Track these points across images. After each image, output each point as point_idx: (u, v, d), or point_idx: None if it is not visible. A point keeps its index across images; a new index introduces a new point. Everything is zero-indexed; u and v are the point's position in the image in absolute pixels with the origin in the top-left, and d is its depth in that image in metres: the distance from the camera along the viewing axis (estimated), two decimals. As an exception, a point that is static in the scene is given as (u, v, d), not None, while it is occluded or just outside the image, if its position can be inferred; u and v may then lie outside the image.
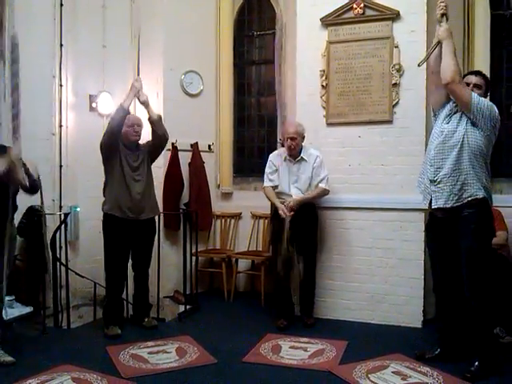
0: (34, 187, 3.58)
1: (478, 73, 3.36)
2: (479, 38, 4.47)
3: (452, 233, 3.23)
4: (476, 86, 3.25)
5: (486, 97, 3.29)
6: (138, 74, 4.15)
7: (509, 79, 4.66)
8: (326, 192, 4.25)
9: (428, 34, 4.14)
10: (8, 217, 3.39)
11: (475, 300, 3.15)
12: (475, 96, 3.13)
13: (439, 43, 3.23)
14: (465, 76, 3.37)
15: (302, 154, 4.23)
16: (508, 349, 3.53)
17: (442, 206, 3.19)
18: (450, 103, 3.28)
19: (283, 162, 4.27)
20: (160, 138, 4.18)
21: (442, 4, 3.25)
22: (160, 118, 4.20)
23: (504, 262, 3.87)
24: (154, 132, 4.18)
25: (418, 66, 3.47)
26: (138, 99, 4.14)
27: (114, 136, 3.98)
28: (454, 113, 3.24)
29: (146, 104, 4.14)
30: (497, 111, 3.18)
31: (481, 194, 3.12)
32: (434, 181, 3.22)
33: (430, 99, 3.52)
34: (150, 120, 4.15)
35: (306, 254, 4.30)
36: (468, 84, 3.25)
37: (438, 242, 3.36)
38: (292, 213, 4.07)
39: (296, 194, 4.19)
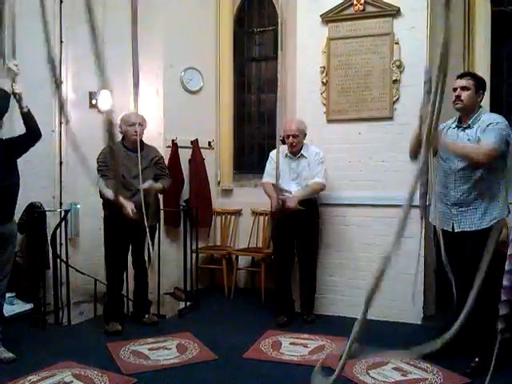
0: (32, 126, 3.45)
1: (464, 75, 3.32)
2: (480, 34, 4.46)
3: (462, 231, 3.23)
4: (463, 88, 3.22)
5: (482, 95, 3.26)
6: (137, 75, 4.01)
7: (510, 76, 4.66)
8: (321, 186, 4.21)
9: (429, 31, 4.14)
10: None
11: (480, 299, 3.15)
12: (497, 141, 3.07)
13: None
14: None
15: (302, 152, 4.23)
16: (508, 345, 3.52)
17: (466, 229, 3.20)
18: (447, 129, 3.30)
19: (284, 158, 4.27)
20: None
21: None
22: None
23: (503, 258, 3.86)
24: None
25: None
26: (141, 124, 4.01)
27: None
28: (463, 129, 3.22)
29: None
30: (506, 122, 3.16)
31: (505, 215, 3.16)
32: (456, 204, 3.22)
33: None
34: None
35: (306, 251, 4.30)
36: (455, 89, 3.23)
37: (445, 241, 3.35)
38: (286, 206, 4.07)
39: (296, 191, 4.19)
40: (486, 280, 3.05)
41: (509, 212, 3.20)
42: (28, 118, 3.44)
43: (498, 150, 3.06)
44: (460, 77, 3.30)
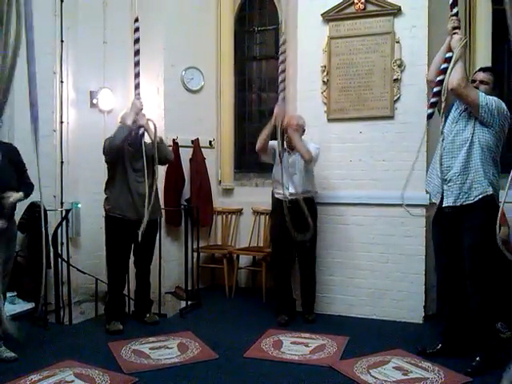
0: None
1: (486, 69, 3.37)
2: (481, 33, 4.46)
3: (458, 227, 3.23)
4: (482, 82, 3.25)
5: (494, 92, 3.27)
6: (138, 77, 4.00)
7: (511, 75, 4.65)
8: (311, 156, 4.12)
9: (430, 30, 4.14)
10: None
11: (478, 295, 3.16)
12: (482, 97, 3.12)
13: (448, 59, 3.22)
14: (475, 72, 3.40)
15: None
16: (509, 344, 3.53)
17: (451, 204, 3.21)
18: (456, 104, 3.28)
19: (282, 153, 4.25)
20: (161, 159, 4.10)
21: (453, 18, 3.24)
22: (161, 141, 4.12)
23: (505, 257, 3.85)
24: (157, 153, 4.03)
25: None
26: (137, 122, 4.00)
27: (116, 152, 3.93)
28: (463, 111, 3.24)
29: (145, 128, 4.02)
30: (505, 108, 3.18)
31: (490, 191, 3.13)
32: (445, 180, 3.23)
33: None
34: (152, 143, 4.05)
35: (305, 250, 4.29)
36: (474, 81, 3.27)
37: (443, 237, 3.36)
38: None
39: (292, 187, 4.15)
40: (488, 280, 3.07)
41: (495, 190, 3.17)
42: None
43: (467, 86, 3.10)
44: (482, 70, 3.34)
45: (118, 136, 3.90)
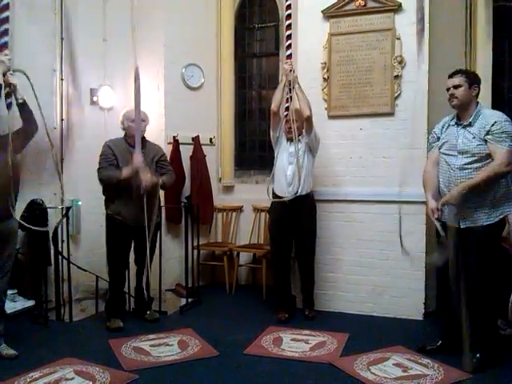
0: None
1: (454, 73, 3.29)
2: (481, 30, 4.44)
3: (467, 228, 3.23)
4: (455, 86, 3.21)
5: (476, 89, 3.23)
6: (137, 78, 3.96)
7: (511, 71, 4.64)
8: (310, 112, 4.09)
9: (430, 26, 4.12)
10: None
11: (482, 293, 3.15)
12: (508, 144, 3.07)
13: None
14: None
15: (300, 137, 4.19)
16: (509, 341, 3.53)
17: (470, 225, 3.18)
18: (446, 127, 3.31)
19: (284, 142, 4.25)
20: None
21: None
22: (164, 183, 4.08)
23: (505, 254, 3.86)
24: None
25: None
26: (143, 119, 4.00)
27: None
28: (463, 127, 3.21)
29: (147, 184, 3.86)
30: (508, 119, 3.14)
31: (510, 212, 3.15)
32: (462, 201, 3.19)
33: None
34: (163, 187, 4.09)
35: (304, 246, 4.30)
36: (448, 89, 3.23)
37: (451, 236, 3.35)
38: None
39: (292, 174, 4.15)
40: (489, 276, 3.06)
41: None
42: (24, 109, 3.40)
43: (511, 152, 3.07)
44: (450, 76, 3.28)
45: (105, 178, 3.92)
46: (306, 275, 4.34)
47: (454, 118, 3.32)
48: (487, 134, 3.10)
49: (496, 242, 3.23)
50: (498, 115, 3.17)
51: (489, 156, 3.10)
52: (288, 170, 4.17)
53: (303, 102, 4.09)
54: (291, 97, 4.11)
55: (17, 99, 3.38)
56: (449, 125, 3.33)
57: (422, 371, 3.14)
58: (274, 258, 4.40)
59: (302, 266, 4.35)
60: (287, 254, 4.32)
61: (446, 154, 3.28)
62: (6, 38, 3.64)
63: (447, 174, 3.26)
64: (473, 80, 3.25)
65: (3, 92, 3.39)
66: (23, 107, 3.40)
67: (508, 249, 3.88)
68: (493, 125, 3.10)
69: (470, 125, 3.19)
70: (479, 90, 3.27)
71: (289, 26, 4.25)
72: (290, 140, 4.22)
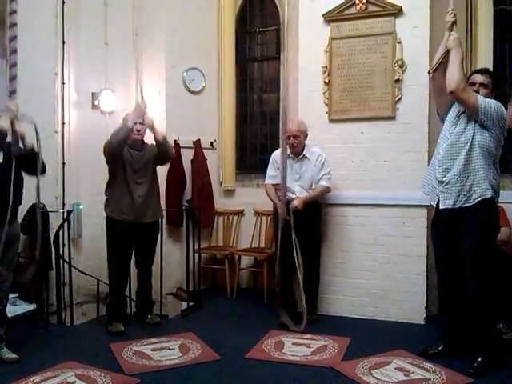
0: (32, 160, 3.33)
1: (483, 71, 3.32)
2: (482, 33, 4.45)
3: (457, 229, 3.23)
4: (482, 85, 3.23)
5: (492, 95, 3.26)
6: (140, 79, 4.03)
7: (512, 75, 4.65)
8: (327, 189, 4.25)
9: (431, 30, 4.13)
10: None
11: (478, 296, 3.15)
12: (481, 100, 3.10)
13: (448, 52, 3.21)
14: (471, 74, 3.36)
15: (304, 152, 4.23)
16: (511, 345, 3.52)
17: (450, 206, 3.19)
18: (455, 105, 3.27)
19: (286, 159, 4.26)
20: (162, 157, 4.15)
21: (453, 12, 3.24)
22: (165, 139, 4.11)
23: (506, 258, 3.86)
24: (158, 151, 4.10)
25: (429, 73, 3.44)
26: (143, 122, 4.03)
27: (114, 151, 3.94)
28: (462, 113, 3.22)
29: (151, 127, 4.05)
30: (504, 111, 3.16)
31: (489, 194, 3.12)
32: (442, 182, 3.22)
33: (436, 104, 3.49)
34: (156, 141, 4.07)
35: (309, 251, 4.29)
36: (474, 84, 3.24)
37: (443, 238, 3.36)
38: (293, 216, 4.07)
39: (299, 192, 4.19)
40: (488, 281, 3.06)
41: (494, 192, 3.16)
42: (31, 155, 3.33)
43: (465, 89, 3.08)
44: (479, 72, 3.32)
45: (115, 136, 3.91)
46: (309, 279, 4.32)
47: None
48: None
49: (486, 232, 3.18)
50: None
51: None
52: (295, 187, 4.24)
53: (316, 198, 4.24)
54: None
55: (25, 146, 3.32)
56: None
57: (423, 375, 3.13)
58: (279, 261, 4.38)
59: (306, 270, 4.33)
60: (291, 259, 4.30)
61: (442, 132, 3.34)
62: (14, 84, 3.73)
63: (435, 160, 3.33)
64: (495, 83, 3.33)
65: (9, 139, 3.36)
66: (31, 154, 3.34)
67: (508, 252, 3.90)
68: None
69: None
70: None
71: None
72: (294, 155, 4.24)
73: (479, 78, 3.26)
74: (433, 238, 3.56)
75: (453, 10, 3.25)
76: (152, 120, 4.07)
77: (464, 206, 3.15)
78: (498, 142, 3.17)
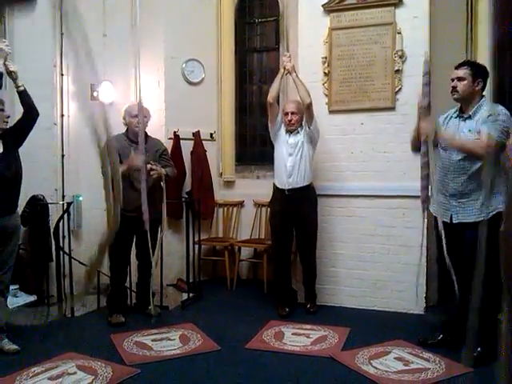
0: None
1: (460, 65, 3.25)
2: (482, 24, 4.42)
3: (460, 223, 3.22)
4: (460, 79, 3.18)
5: (481, 83, 3.20)
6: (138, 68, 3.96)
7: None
8: (309, 96, 4.11)
9: (431, 20, 4.11)
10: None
11: (480, 287, 3.15)
12: (496, 134, 3.00)
13: None
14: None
15: (299, 129, 4.21)
16: (511, 335, 3.53)
17: (463, 220, 3.18)
18: (455, 114, 3.28)
19: (282, 133, 4.25)
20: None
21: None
22: (167, 174, 4.10)
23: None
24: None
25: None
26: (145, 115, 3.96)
27: None
28: (474, 130, 3.15)
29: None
30: (508, 113, 3.08)
31: (500, 207, 3.08)
32: (455, 195, 3.20)
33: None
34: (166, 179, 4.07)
35: (305, 241, 4.30)
36: (452, 80, 3.21)
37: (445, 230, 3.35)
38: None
39: (291, 167, 4.16)
40: (489, 271, 3.05)
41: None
42: (24, 96, 3.44)
43: (497, 143, 3.00)
44: (457, 67, 3.25)
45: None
46: (307, 269, 4.35)
47: (457, 110, 3.30)
48: (483, 123, 3.09)
49: (492, 238, 3.19)
50: (498, 108, 3.13)
51: None
52: (288, 162, 4.18)
53: (302, 90, 4.12)
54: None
55: (18, 86, 3.41)
56: (451, 117, 3.32)
57: (423, 365, 3.15)
58: (275, 250, 4.41)
59: (303, 259, 4.36)
60: (288, 247, 4.33)
61: (443, 150, 3.27)
62: None
63: (443, 170, 3.25)
64: (478, 73, 3.20)
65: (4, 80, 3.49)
66: (24, 94, 3.43)
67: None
68: (489, 116, 3.08)
69: (470, 118, 3.19)
70: (485, 83, 3.23)
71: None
72: (289, 132, 4.22)
73: (455, 73, 3.22)
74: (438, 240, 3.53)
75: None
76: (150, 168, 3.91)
77: (478, 220, 3.12)
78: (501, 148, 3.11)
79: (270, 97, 4.22)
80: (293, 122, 4.18)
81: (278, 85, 4.25)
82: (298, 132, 4.20)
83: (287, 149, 4.21)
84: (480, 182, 3.11)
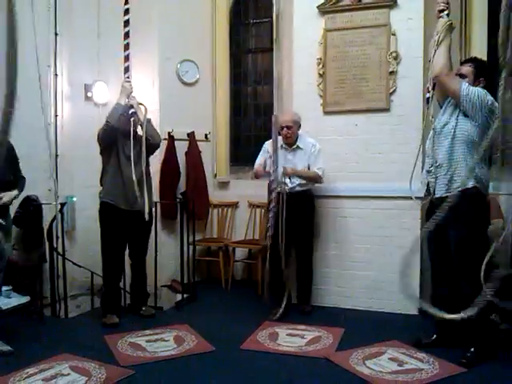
0: None
1: (465, 61, 3.30)
2: (476, 23, 4.44)
3: (443, 219, 3.22)
4: (461, 75, 3.21)
5: (482, 81, 3.23)
6: (127, 70, 4.05)
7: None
8: (319, 179, 4.25)
9: (425, 22, 4.12)
10: None
11: (468, 287, 3.16)
12: (464, 87, 3.10)
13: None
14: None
15: (297, 143, 4.24)
16: (504, 335, 3.55)
17: (437, 196, 3.22)
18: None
19: (279, 150, 4.26)
20: (148, 140, 4.04)
21: (440, 1, 3.23)
22: (149, 121, 4.14)
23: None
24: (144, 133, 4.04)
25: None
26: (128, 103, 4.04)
27: (111, 133, 3.93)
28: (449, 102, 3.25)
29: (135, 108, 4.05)
30: (490, 99, 3.09)
31: (470, 184, 3.11)
32: (429, 171, 3.27)
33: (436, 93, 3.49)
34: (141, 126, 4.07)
35: (302, 242, 4.31)
36: (456, 75, 3.23)
37: (432, 229, 3.35)
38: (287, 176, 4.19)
39: (291, 183, 4.18)
40: (477, 272, 3.04)
41: (480, 182, 3.13)
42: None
43: (448, 74, 3.09)
44: (462, 63, 3.33)
45: (113, 115, 3.94)
46: (303, 270, 4.35)
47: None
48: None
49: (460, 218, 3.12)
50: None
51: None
52: (286, 179, 4.21)
53: (306, 178, 4.25)
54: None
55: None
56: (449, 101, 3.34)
57: (417, 365, 3.16)
58: (270, 252, 4.40)
59: (299, 260, 4.36)
60: (285, 250, 4.31)
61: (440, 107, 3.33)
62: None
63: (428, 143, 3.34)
64: (481, 71, 3.24)
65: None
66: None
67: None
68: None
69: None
70: (485, 82, 3.25)
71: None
72: (287, 144, 4.24)
73: (459, 69, 3.27)
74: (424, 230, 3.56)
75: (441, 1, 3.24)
76: (137, 103, 4.07)
77: (445, 195, 3.13)
78: (483, 131, 3.10)
79: (256, 176, 4.38)
80: (289, 135, 4.20)
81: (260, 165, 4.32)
82: (298, 147, 4.24)
83: (286, 164, 4.22)
84: (450, 159, 3.14)
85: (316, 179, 4.26)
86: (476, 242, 3.17)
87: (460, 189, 3.10)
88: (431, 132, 3.30)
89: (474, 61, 3.34)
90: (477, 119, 3.11)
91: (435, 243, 3.35)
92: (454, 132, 3.15)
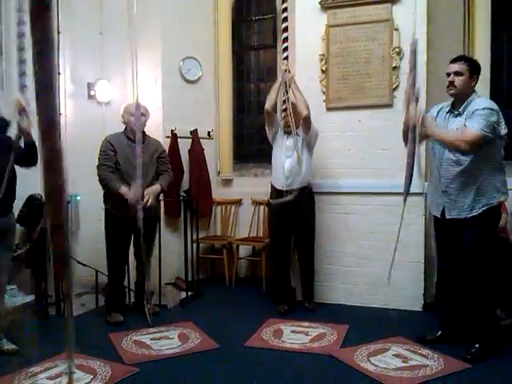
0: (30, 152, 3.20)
1: (457, 59, 3.22)
2: (480, 19, 4.41)
3: (452, 219, 3.22)
4: (457, 73, 3.15)
5: (476, 79, 3.20)
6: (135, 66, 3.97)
7: (510, 62, 4.61)
8: (308, 110, 4.06)
9: (428, 17, 4.10)
10: None
11: (478, 282, 3.16)
12: (480, 128, 2.98)
13: None
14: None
15: (297, 130, 4.20)
16: (508, 331, 3.54)
17: (455, 216, 3.18)
18: (442, 110, 3.28)
19: (280, 135, 4.25)
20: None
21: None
22: (162, 188, 4.10)
23: (504, 244, 3.86)
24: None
25: None
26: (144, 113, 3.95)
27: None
28: (463, 125, 3.12)
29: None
30: (497, 111, 3.06)
31: (495, 202, 3.11)
32: (446, 192, 3.19)
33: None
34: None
35: (303, 239, 4.30)
36: (449, 74, 3.18)
37: (445, 235, 3.34)
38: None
39: (289, 169, 4.15)
40: (483, 267, 3.05)
41: (501, 195, 3.14)
42: (31, 147, 3.25)
43: (481, 136, 2.97)
44: (453, 61, 3.22)
45: (104, 183, 3.93)
46: (305, 267, 4.36)
47: (449, 105, 3.29)
48: (469, 118, 3.07)
49: (487, 232, 3.18)
50: (487, 103, 3.10)
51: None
52: (286, 164, 4.17)
53: (301, 102, 4.08)
54: (288, 98, 4.15)
55: (27, 140, 3.21)
56: (444, 110, 3.29)
57: (421, 362, 3.15)
58: (274, 250, 4.41)
59: (301, 258, 4.36)
60: (286, 246, 4.32)
61: (435, 145, 3.26)
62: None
63: (436, 164, 3.26)
64: (475, 69, 3.19)
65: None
66: (31, 146, 3.25)
67: (506, 239, 3.89)
68: (476, 110, 3.05)
69: (460, 114, 3.17)
70: (477, 80, 3.24)
71: (285, 19, 4.26)
72: (287, 133, 4.21)
73: (452, 67, 3.18)
74: (435, 226, 3.53)
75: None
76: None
77: (469, 216, 3.12)
78: (499, 145, 3.12)
79: (268, 105, 4.19)
80: (289, 124, 4.17)
81: (275, 94, 4.20)
82: (297, 134, 4.19)
83: (285, 151, 4.20)
84: (470, 178, 3.10)
85: (306, 107, 4.07)
86: (489, 239, 3.18)
87: (485, 208, 3.10)
88: (436, 161, 3.24)
89: (466, 59, 3.28)
90: (494, 138, 3.04)
91: (446, 240, 3.32)
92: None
